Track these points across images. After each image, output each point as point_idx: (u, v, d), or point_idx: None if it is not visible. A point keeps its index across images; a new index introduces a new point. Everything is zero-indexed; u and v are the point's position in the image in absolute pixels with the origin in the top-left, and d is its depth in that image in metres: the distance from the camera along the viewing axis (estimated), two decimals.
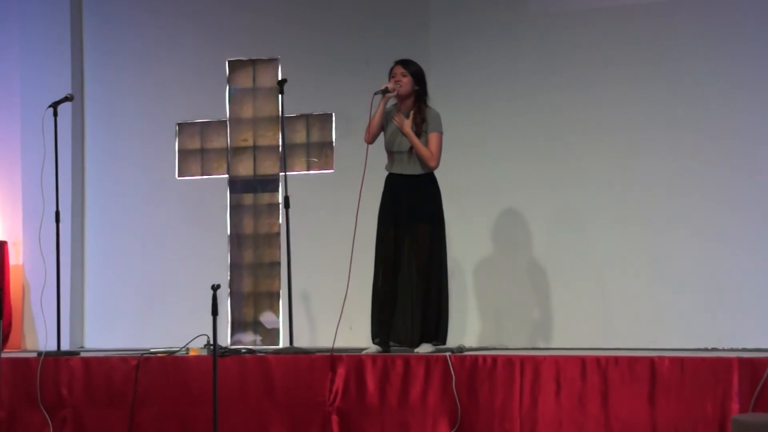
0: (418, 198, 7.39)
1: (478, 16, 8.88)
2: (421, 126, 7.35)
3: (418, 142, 7.32)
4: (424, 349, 7.29)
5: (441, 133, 7.40)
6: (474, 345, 8.37)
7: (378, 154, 7.42)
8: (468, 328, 8.70)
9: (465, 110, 8.69)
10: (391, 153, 7.45)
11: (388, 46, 8.71)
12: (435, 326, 7.39)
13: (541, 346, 8.44)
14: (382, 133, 7.48)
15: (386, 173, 7.50)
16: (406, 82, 7.37)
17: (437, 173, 7.46)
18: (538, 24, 8.73)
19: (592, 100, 8.54)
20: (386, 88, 7.33)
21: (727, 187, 8.20)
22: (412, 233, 7.39)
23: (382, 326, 7.44)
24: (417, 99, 7.41)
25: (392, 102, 7.46)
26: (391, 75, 7.42)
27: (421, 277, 7.37)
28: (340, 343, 7.39)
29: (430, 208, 7.41)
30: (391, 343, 7.47)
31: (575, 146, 8.57)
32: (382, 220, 7.46)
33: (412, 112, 7.40)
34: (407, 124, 7.34)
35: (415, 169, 7.40)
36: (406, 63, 7.44)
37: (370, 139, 7.41)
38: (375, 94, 7.32)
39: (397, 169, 7.43)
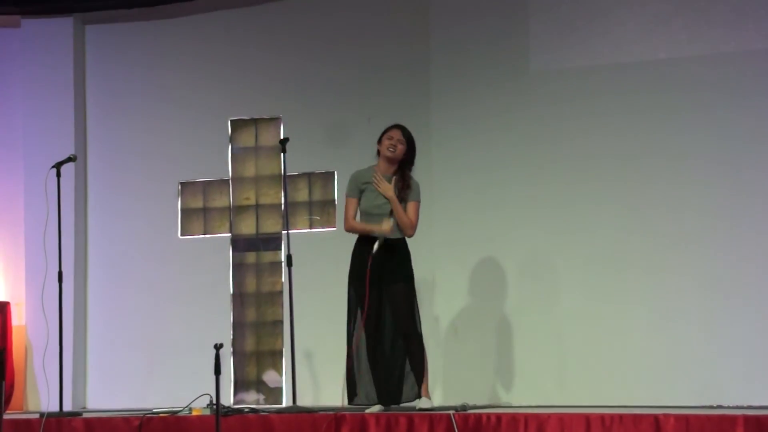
0: (394, 260, 7.30)
1: (480, 74, 8.90)
2: (404, 192, 7.32)
3: (400, 209, 7.27)
4: (425, 403, 7.24)
5: (419, 203, 7.38)
6: (479, 403, 8.13)
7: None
8: (473, 385, 8.64)
9: (468, 166, 8.74)
10: (369, 215, 7.36)
11: (390, 104, 8.85)
12: (420, 380, 7.30)
13: (545, 403, 8.24)
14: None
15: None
16: (401, 150, 7.35)
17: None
18: (540, 82, 8.74)
19: (595, 159, 8.55)
20: (383, 236, 7.21)
21: (732, 241, 8.17)
22: (390, 294, 7.31)
23: (364, 385, 7.35)
24: (402, 165, 7.39)
25: (371, 163, 7.45)
26: (387, 136, 7.39)
27: (400, 335, 7.31)
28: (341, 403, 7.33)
29: (405, 270, 7.35)
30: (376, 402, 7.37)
31: (581, 207, 8.58)
32: (355, 282, 7.35)
33: (394, 178, 7.36)
34: (390, 189, 7.29)
35: (393, 233, 7.31)
36: (403, 130, 7.40)
37: (348, 231, 7.37)
38: (377, 246, 7.19)
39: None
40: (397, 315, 7.31)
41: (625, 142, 8.48)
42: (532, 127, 8.72)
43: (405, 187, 7.32)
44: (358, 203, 7.36)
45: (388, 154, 7.33)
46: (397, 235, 7.32)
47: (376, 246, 7.13)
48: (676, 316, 8.25)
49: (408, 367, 7.33)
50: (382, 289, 7.30)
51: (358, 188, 7.37)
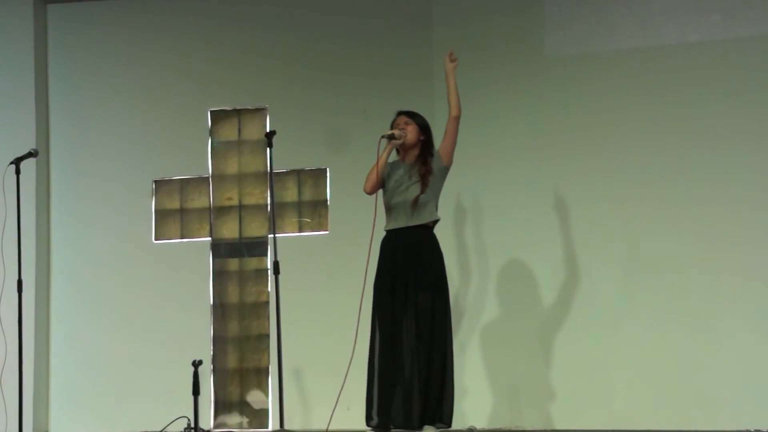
0: (420, 260, 6.94)
1: (488, 58, 8.63)
2: (426, 178, 6.97)
3: (455, 84, 7.06)
4: None
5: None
6: (486, 426, 8.07)
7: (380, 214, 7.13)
8: (479, 407, 8.31)
9: (477, 160, 8.44)
10: (390, 207, 7.05)
11: (389, 94, 8.60)
12: (438, 406, 6.91)
13: (562, 426, 8.10)
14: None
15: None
16: (411, 130, 7.04)
17: (440, 234, 7.07)
18: (555, 67, 8.52)
19: (619, 151, 8.33)
20: (393, 134, 6.98)
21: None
22: (413, 301, 6.92)
23: (381, 407, 6.94)
24: (422, 151, 7.07)
25: (393, 157, 7.18)
26: (394, 126, 7.12)
27: (423, 351, 6.90)
28: (336, 425, 7.05)
29: (432, 273, 6.96)
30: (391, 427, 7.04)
31: (603, 213, 8.35)
32: (378, 288, 7.01)
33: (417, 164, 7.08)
34: (451, 69, 7.07)
35: (418, 219, 6.93)
36: (410, 114, 7.14)
37: (371, 189, 7.02)
38: (381, 137, 6.95)
39: (397, 223, 6.98)
40: (420, 328, 6.88)
41: (651, 132, 8.28)
42: (546, 117, 8.50)
43: (427, 172, 6.97)
44: (383, 175, 7.07)
45: (402, 139, 7.00)
46: (424, 220, 6.95)
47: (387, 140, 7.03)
48: (710, 337, 8.10)
49: (422, 390, 6.87)
50: (405, 295, 6.90)
51: (387, 170, 7.08)
